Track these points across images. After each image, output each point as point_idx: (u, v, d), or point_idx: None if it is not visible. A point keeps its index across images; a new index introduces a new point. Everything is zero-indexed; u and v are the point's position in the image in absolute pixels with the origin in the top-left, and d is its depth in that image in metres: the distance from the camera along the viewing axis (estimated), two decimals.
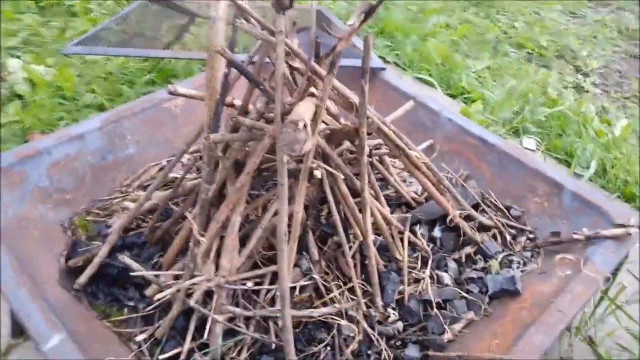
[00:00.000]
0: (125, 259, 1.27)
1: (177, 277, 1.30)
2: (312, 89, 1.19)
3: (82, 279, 1.29)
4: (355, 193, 1.34)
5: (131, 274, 1.19)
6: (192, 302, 1.15)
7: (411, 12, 3.49)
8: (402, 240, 1.41)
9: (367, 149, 1.21)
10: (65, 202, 1.49)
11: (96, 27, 2.28)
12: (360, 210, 1.29)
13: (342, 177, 1.24)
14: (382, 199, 1.39)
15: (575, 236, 1.42)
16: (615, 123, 2.71)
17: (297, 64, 1.15)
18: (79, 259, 1.33)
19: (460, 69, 2.84)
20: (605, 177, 2.34)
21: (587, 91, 3.01)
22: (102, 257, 1.30)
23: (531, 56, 3.31)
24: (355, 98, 1.21)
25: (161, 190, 1.53)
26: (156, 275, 1.23)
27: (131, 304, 1.29)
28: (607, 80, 3.15)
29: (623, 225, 1.39)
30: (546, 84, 2.91)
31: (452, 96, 2.71)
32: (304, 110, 1.05)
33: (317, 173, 1.17)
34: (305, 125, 1.00)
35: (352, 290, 1.33)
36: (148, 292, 1.29)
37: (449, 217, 1.44)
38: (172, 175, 1.62)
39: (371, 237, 1.28)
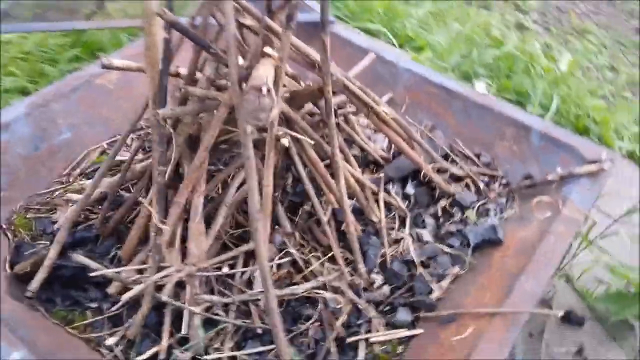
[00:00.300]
0: (79, 257, 1.14)
1: (140, 271, 1.18)
2: (266, 48, 1.07)
3: (34, 285, 1.15)
4: (323, 157, 1.25)
5: (91, 274, 1.06)
6: (164, 297, 1.04)
7: None
8: (376, 201, 1.34)
9: (334, 110, 1.12)
10: None
11: (4, 2, 2.04)
12: (332, 176, 1.20)
13: (311, 142, 1.14)
14: (353, 161, 1.31)
15: (549, 177, 1.38)
16: (560, 59, 2.72)
17: (248, 21, 1.03)
18: (26, 263, 1.19)
19: (403, 17, 2.75)
20: (557, 113, 2.35)
21: (529, 29, 3.00)
22: (52, 258, 1.16)
23: None
24: (316, 55, 1.10)
25: (107, 176, 1.38)
26: (118, 272, 1.11)
27: (94, 305, 1.16)
28: (547, 17, 3.15)
29: (595, 162, 1.37)
30: (489, 25, 2.87)
31: (399, 46, 2.63)
32: (264, 73, 0.94)
33: (284, 141, 1.07)
34: (269, 90, 0.89)
35: (332, 259, 1.26)
36: (111, 290, 1.17)
37: (422, 172, 1.38)
38: (117, 158, 1.48)
39: (347, 202, 1.20)
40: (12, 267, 1.21)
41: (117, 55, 1.59)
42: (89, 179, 1.43)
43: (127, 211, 1.28)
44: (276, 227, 1.26)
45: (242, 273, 1.20)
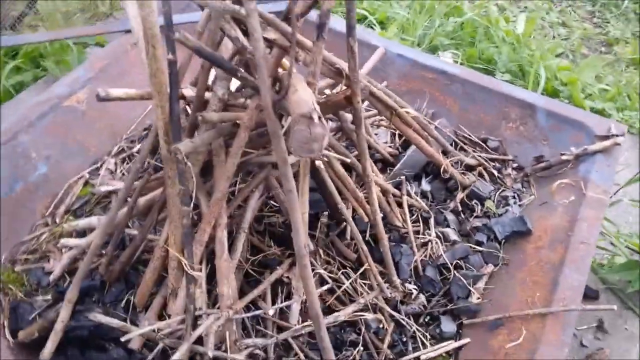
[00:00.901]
0: (98, 316, 1.01)
1: (160, 317, 1.07)
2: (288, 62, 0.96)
3: (46, 354, 1.01)
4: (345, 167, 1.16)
5: (122, 338, 0.93)
6: (209, 352, 0.93)
7: None
8: (399, 205, 1.27)
9: (364, 120, 1.02)
10: None
11: None
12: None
13: (346, 160, 1.04)
14: (375, 167, 1.23)
15: (564, 157, 1.36)
16: (516, 20, 2.70)
17: (271, 34, 0.91)
18: (32, 329, 1.04)
19: None
20: (524, 77, 2.33)
21: None
22: (64, 321, 1.02)
23: None
24: (342, 64, 0.99)
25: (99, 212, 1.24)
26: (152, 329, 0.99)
27: None
28: None
29: (608, 137, 1.35)
30: None
31: (358, 21, 2.53)
32: (306, 97, 0.83)
33: (319, 163, 0.97)
34: (320, 117, 0.79)
35: (362, 275, 1.18)
36: (134, 345, 1.04)
37: (442, 168, 1.31)
38: (102, 189, 1.33)
39: (380, 216, 1.12)
40: (13, 334, 1.06)
41: (83, 70, 1.42)
42: (77, 216, 1.28)
43: (133, 252, 1.14)
44: None
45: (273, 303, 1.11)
